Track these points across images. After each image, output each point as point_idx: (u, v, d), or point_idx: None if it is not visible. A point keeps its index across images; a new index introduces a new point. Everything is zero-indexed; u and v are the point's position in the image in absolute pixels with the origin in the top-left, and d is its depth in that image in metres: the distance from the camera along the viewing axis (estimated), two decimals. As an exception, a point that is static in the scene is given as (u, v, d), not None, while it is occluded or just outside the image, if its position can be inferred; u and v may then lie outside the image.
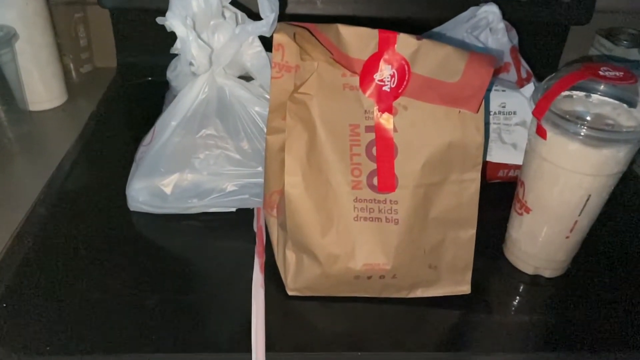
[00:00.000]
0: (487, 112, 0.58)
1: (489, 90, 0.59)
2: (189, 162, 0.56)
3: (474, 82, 0.42)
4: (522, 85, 0.62)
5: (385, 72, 0.44)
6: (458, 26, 0.65)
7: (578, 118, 0.45)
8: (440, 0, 0.77)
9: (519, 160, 0.52)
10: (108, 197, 0.60)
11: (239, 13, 0.53)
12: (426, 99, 0.44)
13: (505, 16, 0.74)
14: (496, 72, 0.64)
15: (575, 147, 0.44)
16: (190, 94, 0.54)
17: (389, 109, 0.45)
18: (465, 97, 0.43)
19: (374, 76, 0.44)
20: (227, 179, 0.57)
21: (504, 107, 0.59)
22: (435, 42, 0.43)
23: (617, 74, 0.43)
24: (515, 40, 0.68)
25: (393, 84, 0.44)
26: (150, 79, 0.82)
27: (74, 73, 0.83)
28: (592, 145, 0.43)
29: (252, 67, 0.53)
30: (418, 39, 0.43)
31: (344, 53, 0.44)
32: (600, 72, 0.43)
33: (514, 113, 0.58)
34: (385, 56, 0.44)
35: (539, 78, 0.83)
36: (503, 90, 0.59)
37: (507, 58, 0.64)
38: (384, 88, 0.44)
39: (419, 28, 0.74)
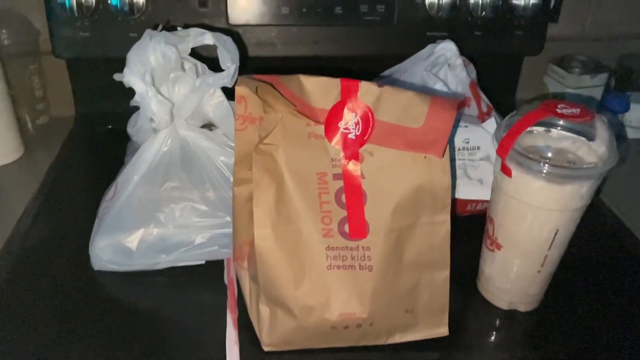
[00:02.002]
0: (452, 148, 0.59)
1: (453, 127, 0.60)
2: (154, 216, 0.55)
3: (438, 126, 0.43)
4: (483, 120, 0.63)
5: (349, 120, 0.44)
6: (417, 63, 0.66)
7: (540, 155, 0.46)
8: (399, 38, 0.78)
9: (486, 196, 0.53)
10: (71, 255, 0.57)
11: (199, 64, 0.52)
12: (391, 145, 0.44)
13: (462, 50, 0.76)
14: (459, 106, 0.65)
15: (540, 184, 0.44)
16: (152, 147, 0.53)
17: (356, 156, 0.45)
18: (430, 142, 0.43)
19: (339, 124, 0.44)
20: (195, 231, 0.55)
21: (467, 142, 0.59)
22: (397, 88, 0.44)
23: (574, 111, 0.44)
24: (474, 75, 0.70)
25: (358, 131, 0.44)
26: (110, 127, 0.81)
27: (30, 125, 0.81)
28: (556, 182, 0.44)
29: (215, 117, 0.52)
30: (379, 86, 0.44)
31: (307, 103, 0.44)
32: (558, 110, 0.44)
33: (478, 148, 0.59)
34: (349, 104, 0.44)
35: (499, 108, 0.85)
36: (465, 126, 0.60)
37: (467, 93, 0.65)
38: (349, 136, 0.44)
39: (379, 66, 0.75)
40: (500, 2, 0.77)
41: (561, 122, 0.48)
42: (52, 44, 0.74)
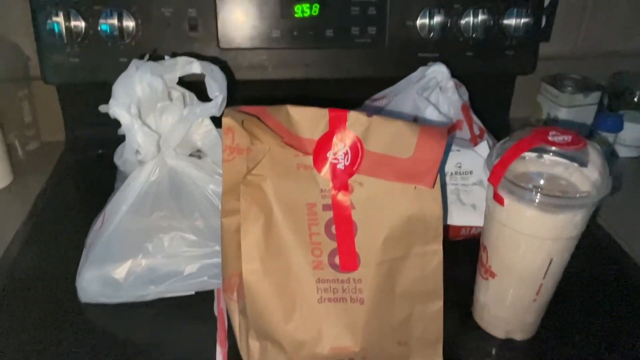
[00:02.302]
0: (443, 173, 0.58)
1: (444, 152, 0.59)
2: (142, 246, 0.54)
3: (427, 157, 0.42)
4: (475, 143, 0.62)
5: (338, 151, 0.43)
6: (408, 86, 0.66)
7: (532, 182, 0.45)
8: (390, 60, 0.78)
9: (479, 222, 0.52)
10: (59, 285, 0.56)
11: (187, 93, 0.52)
12: (381, 175, 0.43)
13: (454, 71, 0.76)
14: (449, 131, 0.64)
15: (533, 213, 0.44)
16: (140, 177, 0.53)
17: (345, 187, 0.44)
18: (420, 173, 0.42)
19: (328, 155, 0.44)
20: (184, 261, 0.54)
21: (459, 167, 0.59)
22: (386, 117, 0.43)
23: (566, 138, 0.44)
24: (466, 97, 0.69)
25: (347, 161, 0.43)
26: (100, 152, 0.80)
27: (19, 151, 0.80)
28: (549, 211, 0.43)
29: (204, 146, 0.52)
30: (368, 115, 0.43)
31: (295, 134, 0.43)
32: (550, 138, 0.44)
33: (471, 172, 0.59)
34: (337, 135, 0.43)
35: (492, 128, 0.85)
36: (458, 150, 0.59)
37: (459, 116, 0.65)
38: (338, 166, 0.44)
39: (371, 88, 0.75)
40: (492, 22, 0.77)
41: (553, 148, 0.47)
42: (41, 70, 0.74)
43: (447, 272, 0.46)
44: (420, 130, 0.43)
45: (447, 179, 0.58)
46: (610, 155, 0.80)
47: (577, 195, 0.43)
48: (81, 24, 0.70)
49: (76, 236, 0.59)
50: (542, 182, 0.46)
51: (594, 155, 0.46)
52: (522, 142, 0.44)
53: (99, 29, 0.71)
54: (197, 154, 0.55)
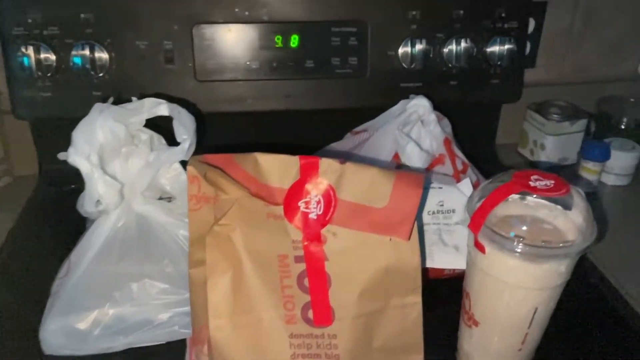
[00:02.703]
0: (421, 215, 0.55)
1: (425, 189, 0.57)
2: (109, 295, 0.51)
3: (403, 206, 0.40)
4: (458, 179, 0.60)
5: (310, 200, 0.41)
6: (389, 121, 0.64)
7: (514, 229, 0.43)
8: (372, 90, 0.76)
9: (463, 264, 0.50)
10: (24, 335, 0.53)
11: (155, 136, 0.50)
12: (355, 226, 0.41)
13: (437, 101, 0.75)
14: (431, 166, 0.62)
15: (515, 262, 0.42)
16: (106, 223, 0.50)
17: (318, 237, 0.42)
18: (395, 224, 0.40)
19: (299, 204, 0.41)
20: (154, 310, 0.52)
21: (442, 205, 0.57)
22: (359, 164, 0.41)
23: (548, 183, 0.42)
24: (449, 129, 0.68)
25: (320, 210, 0.41)
26: (74, 186, 0.77)
27: (-10, 186, 0.77)
28: (532, 260, 0.41)
29: (173, 190, 0.50)
30: (341, 162, 0.41)
31: (264, 183, 0.41)
32: (531, 183, 0.42)
33: (453, 211, 0.56)
34: (309, 183, 0.41)
35: (478, 158, 0.83)
36: (440, 187, 0.57)
37: (441, 150, 0.63)
38: (310, 216, 0.41)
39: (353, 119, 0.73)
40: (475, 50, 0.76)
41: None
42: (12, 104, 0.71)
43: (429, 316, 0.44)
44: (396, 178, 0.41)
45: (429, 218, 0.56)
46: (593, 196, 0.78)
47: (561, 244, 0.41)
48: (52, 57, 0.68)
49: (45, 280, 0.56)
50: (524, 228, 0.44)
51: (578, 199, 0.44)
52: (502, 188, 0.42)
53: (70, 62, 0.69)
54: (167, 197, 0.53)
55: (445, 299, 0.52)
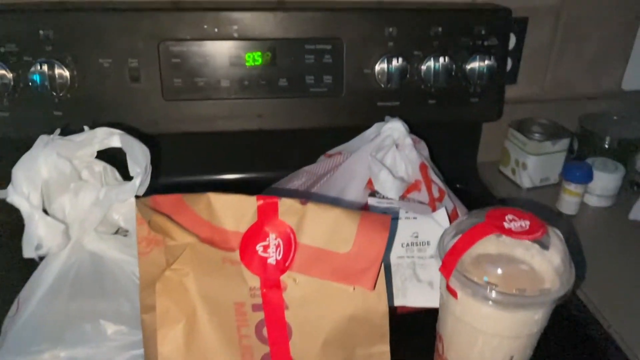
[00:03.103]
0: (389, 253, 0.53)
1: (399, 219, 0.55)
2: (60, 336, 0.47)
3: (367, 252, 0.37)
4: (434, 207, 0.58)
5: (268, 244, 0.38)
6: (363, 145, 0.61)
7: (488, 273, 0.40)
8: (348, 109, 0.74)
9: (437, 302, 0.47)
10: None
11: (109, 168, 0.46)
12: (316, 273, 0.38)
13: (415, 119, 0.72)
14: (407, 192, 0.60)
15: (488, 310, 0.39)
16: (56, 260, 0.47)
17: (277, 284, 0.39)
18: (359, 271, 0.37)
19: (257, 248, 0.38)
20: (109, 352, 0.48)
21: (416, 237, 0.54)
22: (322, 205, 0.38)
23: (523, 224, 0.39)
24: (426, 152, 0.65)
25: (279, 255, 0.38)
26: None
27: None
28: (507, 308, 0.39)
29: (127, 224, 0.46)
30: (303, 203, 0.38)
31: (217, 227, 0.38)
32: (506, 225, 0.39)
33: (428, 243, 0.54)
34: (268, 226, 0.38)
35: (459, 176, 0.81)
36: (414, 218, 0.55)
37: (417, 175, 0.60)
38: (269, 261, 0.38)
39: (328, 139, 0.70)
40: (454, 68, 0.74)
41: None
42: (-33, 125, 0.68)
43: (401, 353, 0.41)
44: (360, 220, 0.38)
45: (403, 250, 0.53)
46: (575, 218, 0.76)
47: (537, 293, 0.39)
48: (9, 76, 0.65)
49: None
50: (499, 271, 0.41)
51: (555, 239, 0.42)
52: (475, 230, 0.39)
53: (29, 80, 0.65)
54: (124, 231, 0.49)
55: (417, 333, 0.49)
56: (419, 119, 0.76)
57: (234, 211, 0.38)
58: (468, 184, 0.84)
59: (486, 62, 0.74)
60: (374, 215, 0.38)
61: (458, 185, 0.83)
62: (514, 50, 0.83)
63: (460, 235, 0.42)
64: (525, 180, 0.82)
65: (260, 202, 0.38)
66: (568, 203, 0.75)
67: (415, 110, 0.75)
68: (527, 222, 0.40)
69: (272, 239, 0.38)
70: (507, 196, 0.82)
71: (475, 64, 0.74)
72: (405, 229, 0.54)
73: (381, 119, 0.67)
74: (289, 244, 0.38)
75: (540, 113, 0.86)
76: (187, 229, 0.38)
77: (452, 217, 0.59)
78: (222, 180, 0.79)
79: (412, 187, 0.60)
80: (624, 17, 0.85)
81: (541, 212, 0.77)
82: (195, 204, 0.38)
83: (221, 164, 0.80)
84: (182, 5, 0.71)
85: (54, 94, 0.66)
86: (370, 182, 0.59)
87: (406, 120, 0.68)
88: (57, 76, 0.65)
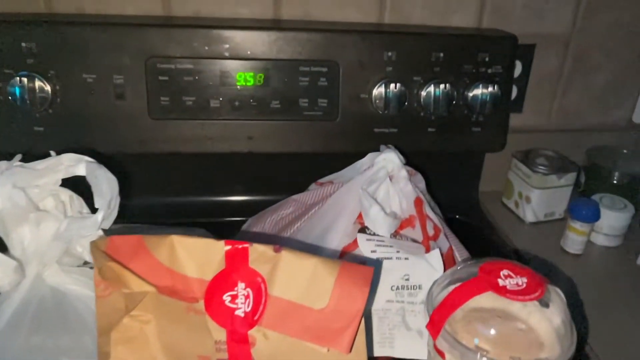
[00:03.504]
0: (372, 300, 0.49)
1: (388, 259, 0.51)
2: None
3: (345, 309, 0.33)
4: (428, 246, 0.54)
5: (237, 293, 0.35)
6: (355, 176, 0.58)
7: (479, 334, 0.36)
8: (343, 135, 0.70)
9: (426, 355, 0.43)
10: None
11: (75, 197, 0.43)
12: (287, 330, 0.34)
13: (413, 148, 0.69)
14: (400, 228, 0.56)
15: (479, 377, 0.35)
16: (15, 295, 0.43)
17: (244, 339, 0.35)
18: (335, 331, 0.34)
19: (223, 298, 0.35)
20: (68, 393, 0.44)
21: (407, 279, 0.50)
22: (297, 253, 0.35)
23: (520, 282, 0.36)
24: (422, 185, 0.61)
25: (248, 307, 0.35)
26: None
27: None
28: (499, 376, 0.35)
29: (90, 255, 0.43)
30: (276, 250, 0.34)
31: (180, 273, 0.34)
32: (501, 282, 0.36)
33: (419, 287, 0.50)
34: (236, 274, 0.34)
35: (460, 207, 0.77)
36: (406, 258, 0.51)
37: (412, 210, 0.57)
38: (236, 312, 0.35)
39: (321, 165, 0.66)
40: (455, 96, 0.70)
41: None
42: (-57, 138, 0.65)
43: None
44: (339, 272, 0.34)
45: (392, 294, 0.50)
46: (580, 258, 0.72)
47: (532, 362, 0.35)
48: (-12, 90, 0.62)
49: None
50: (492, 332, 0.37)
51: (555, 297, 0.38)
52: (466, 288, 0.36)
53: (9, 93, 0.62)
54: (90, 264, 0.46)
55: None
56: (418, 148, 0.73)
57: (199, 257, 0.34)
58: (469, 215, 0.81)
59: (489, 90, 0.70)
60: (355, 268, 0.35)
61: (458, 217, 0.80)
62: (520, 78, 0.80)
63: (451, 288, 0.38)
64: (529, 214, 0.78)
65: (229, 247, 0.34)
66: (573, 241, 0.71)
67: (414, 139, 0.72)
68: (525, 280, 0.36)
69: (241, 289, 0.35)
70: (509, 230, 0.78)
71: (478, 92, 0.70)
72: (395, 270, 0.50)
73: (377, 146, 0.64)
74: (260, 295, 0.34)
75: (546, 144, 0.82)
76: (144, 278, 0.34)
77: (447, 258, 0.55)
78: (208, 202, 0.76)
79: (406, 222, 0.56)
80: (636, 48, 0.81)
81: (545, 249, 0.75)
82: (156, 247, 0.34)
83: (208, 185, 0.76)
84: (173, 21, 0.68)
85: (35, 108, 0.63)
86: (360, 216, 0.55)
87: (404, 149, 0.64)
88: (37, 90, 0.63)
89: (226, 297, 0.35)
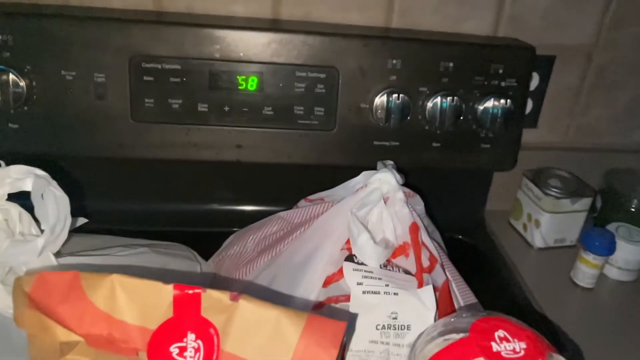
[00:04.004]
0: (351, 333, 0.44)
1: (376, 293, 0.46)
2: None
3: (308, 374, 0.29)
4: (421, 280, 0.49)
5: (186, 346, 0.30)
6: (347, 197, 0.53)
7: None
8: (340, 146, 0.65)
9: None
10: None
11: (24, 214, 0.38)
12: (240, 395, 0.29)
13: (415, 164, 0.64)
14: (393, 256, 0.51)
15: None
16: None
17: (193, 399, 0.30)
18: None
19: (170, 350, 0.30)
20: None
21: (395, 318, 0.45)
22: (258, 302, 0.30)
23: (517, 348, 0.30)
24: (421, 207, 0.56)
25: (197, 362, 0.30)
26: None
27: None
28: None
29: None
30: (233, 298, 0.30)
31: (118, 320, 0.30)
32: (494, 346, 0.30)
33: (408, 328, 0.45)
34: (186, 323, 0.30)
35: (465, 227, 0.72)
36: (395, 294, 0.46)
37: (406, 237, 0.52)
38: (184, 367, 0.30)
39: (315, 177, 0.62)
40: (464, 109, 0.65)
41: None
42: None
43: None
44: (305, 327, 0.29)
45: (377, 334, 0.45)
46: (592, 292, 0.66)
47: None
48: (-42, 84, 0.58)
49: None
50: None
51: (559, 364, 0.32)
52: (453, 350, 0.31)
53: (-20, 88, 0.58)
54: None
55: None
56: (421, 164, 0.67)
57: (142, 301, 0.30)
58: (474, 237, 0.75)
59: (502, 104, 0.65)
60: (324, 323, 0.30)
61: (461, 237, 0.75)
62: (537, 91, 0.74)
63: (440, 340, 0.33)
64: (538, 239, 0.73)
65: (177, 292, 0.30)
66: (584, 274, 0.65)
67: (417, 154, 0.67)
68: (523, 346, 0.31)
69: (191, 340, 0.30)
70: (515, 254, 0.73)
71: (489, 105, 0.65)
72: (383, 306, 0.45)
73: (377, 160, 0.59)
74: (211, 348, 0.30)
75: (560, 163, 0.76)
76: (70, 328, 0.29)
77: (442, 292, 0.50)
78: (191, 211, 0.72)
79: (399, 250, 0.51)
80: (664, 64, 0.75)
81: (553, 280, 0.69)
82: (93, 288, 0.30)
83: (191, 194, 0.72)
84: (161, 17, 0.63)
85: (9, 104, 0.59)
86: (349, 242, 0.50)
87: (406, 165, 0.60)
88: (12, 85, 0.58)
89: (173, 349, 0.30)
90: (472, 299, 0.53)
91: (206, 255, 0.60)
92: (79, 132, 0.62)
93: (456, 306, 0.51)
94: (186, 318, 0.30)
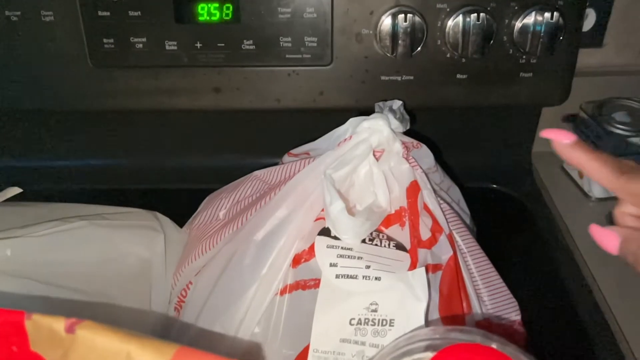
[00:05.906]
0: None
1: (352, 277, 0.36)
2: None
3: None
4: (415, 260, 0.38)
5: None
6: (328, 152, 0.41)
7: None
8: (337, 85, 0.54)
9: None
10: None
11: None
12: None
13: (436, 102, 0.52)
14: (386, 224, 0.40)
15: None
16: None
17: None
18: None
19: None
20: None
21: (374, 310, 0.35)
22: (105, 330, 0.21)
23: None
24: (429, 161, 0.44)
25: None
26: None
27: None
28: None
29: None
30: (69, 329, 0.21)
31: None
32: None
33: (390, 324, 0.35)
34: (12, 358, 0.21)
35: (504, 178, 0.60)
36: (377, 278, 0.36)
37: (403, 201, 0.40)
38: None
39: (307, 125, 0.51)
40: (495, 27, 0.50)
41: None
42: None
43: None
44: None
45: (351, 331, 0.35)
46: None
47: None
48: None
49: None
50: None
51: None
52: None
53: None
54: None
55: None
56: (442, 102, 0.54)
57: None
58: (517, 186, 0.62)
59: (547, 18, 0.49)
60: (196, 357, 0.20)
61: (495, 186, 0.62)
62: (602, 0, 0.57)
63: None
64: (596, 188, 0.59)
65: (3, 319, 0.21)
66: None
67: (436, 90, 0.54)
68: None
69: (23, 381, 0.21)
70: (567, 208, 0.59)
71: (529, 21, 0.50)
72: (360, 295, 0.35)
73: (385, 100, 0.48)
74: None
75: (630, 93, 0.60)
76: None
77: (446, 273, 0.39)
78: (165, 167, 0.64)
79: (395, 217, 0.40)
80: None
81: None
82: None
83: (165, 147, 0.63)
84: None
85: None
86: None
87: (422, 103, 0.48)
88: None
89: (3, 392, 0.22)
90: (494, 278, 0.42)
91: (183, 220, 0.52)
92: (31, 82, 0.54)
93: (469, 289, 0.40)
94: (12, 352, 0.21)
